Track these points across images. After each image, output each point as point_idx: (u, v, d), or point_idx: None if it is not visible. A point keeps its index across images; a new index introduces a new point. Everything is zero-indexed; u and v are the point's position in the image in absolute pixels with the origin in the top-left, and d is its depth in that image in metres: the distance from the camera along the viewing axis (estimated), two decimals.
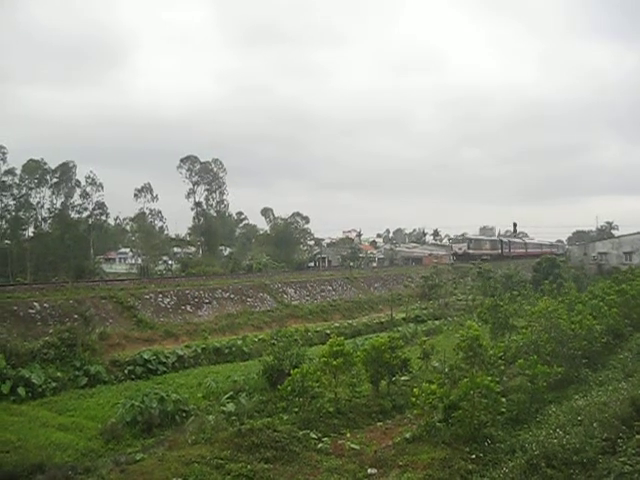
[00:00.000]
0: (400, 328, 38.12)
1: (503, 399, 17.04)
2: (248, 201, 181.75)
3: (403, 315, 44.50)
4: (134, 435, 17.62)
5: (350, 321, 41.54)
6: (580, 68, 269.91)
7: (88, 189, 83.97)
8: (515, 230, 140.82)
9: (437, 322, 42.33)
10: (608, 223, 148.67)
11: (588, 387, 18.87)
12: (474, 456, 14.39)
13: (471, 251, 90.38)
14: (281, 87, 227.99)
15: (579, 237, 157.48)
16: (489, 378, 16.47)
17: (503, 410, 16.77)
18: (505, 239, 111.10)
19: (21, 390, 21.61)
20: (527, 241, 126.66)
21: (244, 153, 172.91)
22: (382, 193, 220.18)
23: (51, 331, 26.71)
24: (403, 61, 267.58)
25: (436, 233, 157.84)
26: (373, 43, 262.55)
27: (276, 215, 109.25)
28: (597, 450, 12.12)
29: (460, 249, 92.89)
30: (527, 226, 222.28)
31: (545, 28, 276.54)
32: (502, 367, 20.80)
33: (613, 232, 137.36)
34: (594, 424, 13.36)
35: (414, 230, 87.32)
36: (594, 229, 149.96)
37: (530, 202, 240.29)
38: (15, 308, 28.19)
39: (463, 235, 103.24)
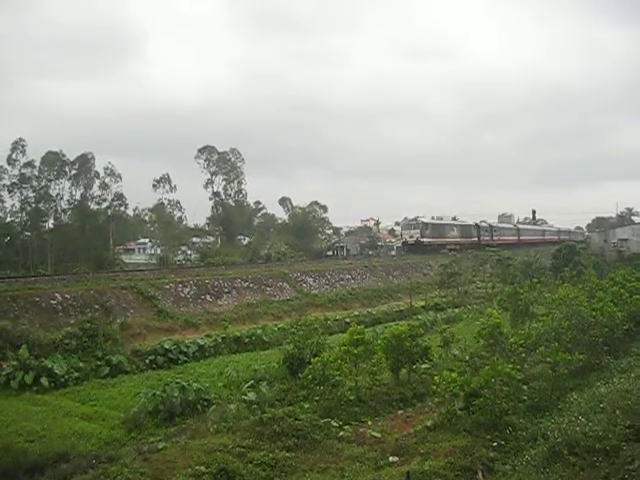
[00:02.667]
0: (420, 316, 38.01)
1: (524, 387, 17.04)
2: (266, 190, 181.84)
3: (422, 303, 44.37)
4: (156, 424, 17.81)
5: (369, 309, 41.47)
6: (597, 50, 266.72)
7: (107, 180, 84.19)
8: (534, 217, 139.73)
9: (457, 310, 42.19)
10: (628, 209, 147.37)
11: (610, 374, 18.69)
12: (496, 444, 14.37)
13: (426, 239, 72.41)
14: (296, 75, 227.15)
15: (599, 224, 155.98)
16: (510, 366, 16.44)
17: (524, 398, 16.76)
18: (485, 224, 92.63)
19: (44, 380, 21.85)
20: (524, 227, 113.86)
21: (261, 142, 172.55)
22: (400, 180, 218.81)
23: (73, 322, 26.97)
24: (417, 47, 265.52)
25: (483, 222, 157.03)
26: (387, 29, 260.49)
27: (294, 204, 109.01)
28: (620, 437, 12.01)
29: (411, 237, 73.51)
30: (547, 213, 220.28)
31: (556, 12, 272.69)
32: (523, 355, 20.72)
33: (633, 218, 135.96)
34: (617, 411, 13.24)
35: (432, 217, 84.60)
36: (614, 215, 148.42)
37: (549, 188, 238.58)
38: (37, 299, 28.41)
39: (415, 219, 77.08)
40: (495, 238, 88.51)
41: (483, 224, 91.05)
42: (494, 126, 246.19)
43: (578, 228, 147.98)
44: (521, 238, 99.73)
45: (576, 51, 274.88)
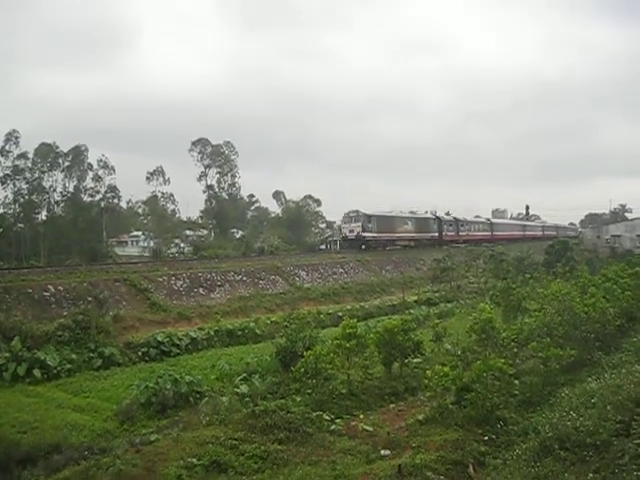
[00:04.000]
0: (412, 311, 38.12)
1: (516, 381, 17.15)
2: (260, 184, 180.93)
3: (415, 298, 44.49)
4: (149, 416, 17.83)
5: (362, 304, 41.58)
6: (591, 47, 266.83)
7: (100, 172, 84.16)
8: (527, 213, 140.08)
9: (449, 305, 42.34)
10: (622, 206, 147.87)
11: (601, 370, 18.75)
12: (487, 438, 14.44)
13: (369, 234, 62.93)
14: (291, 70, 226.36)
15: (592, 220, 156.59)
16: (502, 360, 16.52)
17: (516, 392, 16.87)
18: (449, 217, 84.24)
19: (37, 372, 21.86)
20: (498, 221, 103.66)
21: (255, 136, 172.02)
22: (394, 175, 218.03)
23: (65, 313, 26.97)
24: (411, 43, 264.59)
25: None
26: (381, 25, 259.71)
27: (288, 198, 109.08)
28: (611, 432, 12.08)
29: (351, 231, 63.29)
30: (541, 209, 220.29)
31: (551, 9, 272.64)
32: (515, 350, 20.84)
33: (627, 215, 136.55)
34: (608, 406, 13.31)
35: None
36: (607, 212, 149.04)
37: (543, 184, 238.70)
38: (30, 291, 28.39)
39: (356, 210, 64.82)
40: (462, 234, 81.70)
41: (446, 217, 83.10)
42: (488, 122, 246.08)
43: (571, 224, 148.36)
44: (495, 234, 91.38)
45: (570, 48, 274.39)
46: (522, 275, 45.09)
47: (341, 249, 67.75)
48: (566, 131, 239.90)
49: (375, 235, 63.75)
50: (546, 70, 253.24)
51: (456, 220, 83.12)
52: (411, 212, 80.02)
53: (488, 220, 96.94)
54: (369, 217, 64.06)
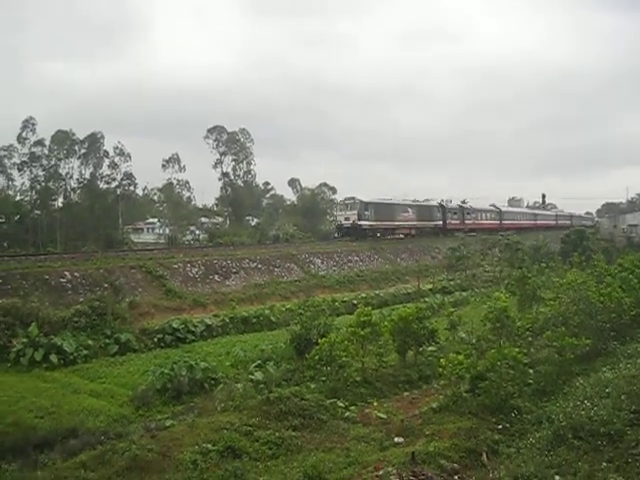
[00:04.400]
0: (427, 299, 38.09)
1: (530, 370, 17.11)
2: (275, 172, 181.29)
3: (430, 286, 44.41)
4: (164, 402, 17.97)
5: (377, 291, 41.54)
6: (606, 38, 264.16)
7: (116, 160, 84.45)
8: (544, 202, 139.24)
9: (464, 293, 42.20)
10: (639, 195, 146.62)
11: (616, 360, 18.69)
12: (500, 426, 14.46)
13: (366, 222, 58.83)
14: (305, 58, 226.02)
15: (609, 209, 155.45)
16: (516, 349, 16.50)
17: (530, 381, 16.84)
18: (454, 205, 78.81)
19: (53, 357, 22.01)
20: (508, 209, 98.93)
21: (271, 124, 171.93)
22: (410, 163, 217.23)
23: (82, 300, 27.12)
24: (425, 32, 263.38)
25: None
26: (396, 14, 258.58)
27: (303, 186, 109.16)
28: (625, 422, 12.09)
29: (347, 219, 59.31)
30: (557, 198, 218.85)
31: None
32: (530, 339, 20.77)
33: None
34: (622, 396, 13.30)
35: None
36: (624, 201, 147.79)
37: (560, 174, 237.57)
38: (47, 277, 28.58)
39: (352, 197, 61.35)
40: (468, 222, 77.41)
41: (451, 205, 77.58)
42: (505, 110, 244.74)
43: (588, 213, 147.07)
44: (504, 222, 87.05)
45: (587, 35, 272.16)
46: (538, 264, 44.79)
47: (335, 238, 63.55)
48: (583, 120, 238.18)
49: (373, 223, 59.93)
50: (563, 59, 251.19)
51: (461, 208, 78.83)
52: (414, 200, 75.21)
53: (497, 208, 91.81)
54: (366, 204, 59.92)
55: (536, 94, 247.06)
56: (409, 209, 68.05)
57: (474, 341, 20.41)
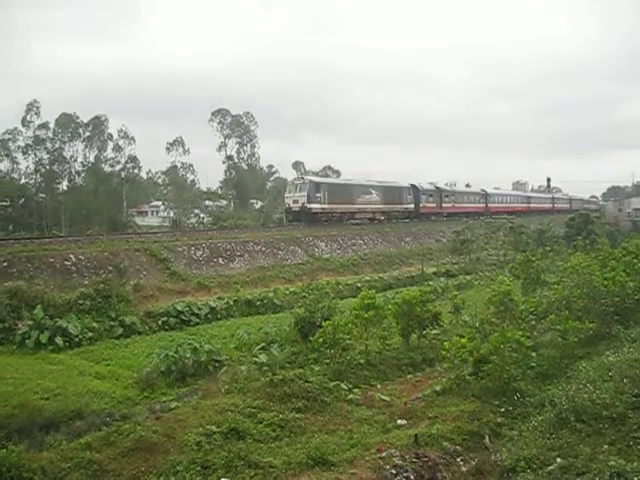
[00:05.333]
0: (431, 282, 38.15)
1: (533, 354, 17.12)
2: (279, 155, 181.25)
3: (434, 269, 44.46)
4: (168, 384, 18.05)
5: (381, 275, 41.61)
6: (613, 19, 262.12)
7: (120, 142, 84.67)
8: (549, 185, 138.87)
9: (468, 277, 42.19)
10: None
11: (619, 343, 18.71)
12: (503, 409, 14.51)
13: (316, 205, 52.52)
14: (308, 41, 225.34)
15: (614, 193, 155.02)
16: (520, 333, 16.52)
17: (533, 365, 16.85)
18: (431, 186, 72.89)
19: (59, 340, 22.13)
20: (495, 192, 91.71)
21: (275, 108, 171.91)
22: (414, 147, 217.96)
23: (87, 282, 27.20)
24: (430, 16, 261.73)
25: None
26: None
27: (307, 169, 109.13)
28: (627, 405, 12.15)
29: (295, 202, 52.73)
30: (563, 182, 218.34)
31: None
32: (533, 322, 20.82)
33: None
34: (624, 380, 13.35)
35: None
36: (630, 185, 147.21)
37: (564, 156, 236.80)
38: (52, 260, 28.66)
39: (302, 177, 58.75)
40: (446, 205, 72.44)
41: (425, 186, 71.26)
42: (510, 95, 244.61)
43: (593, 197, 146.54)
44: (491, 206, 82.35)
45: (591, 20, 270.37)
46: (542, 248, 44.84)
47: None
48: (588, 103, 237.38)
49: (326, 207, 53.65)
50: (567, 43, 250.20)
51: (439, 190, 73.25)
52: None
53: (482, 190, 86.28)
54: (317, 185, 54.01)
55: (546, 79, 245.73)
56: (373, 191, 61.18)
57: (477, 324, 20.42)
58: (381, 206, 61.53)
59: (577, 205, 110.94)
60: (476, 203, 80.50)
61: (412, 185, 67.87)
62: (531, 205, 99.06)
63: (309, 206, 51.67)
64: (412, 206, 65.78)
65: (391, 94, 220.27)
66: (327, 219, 54.41)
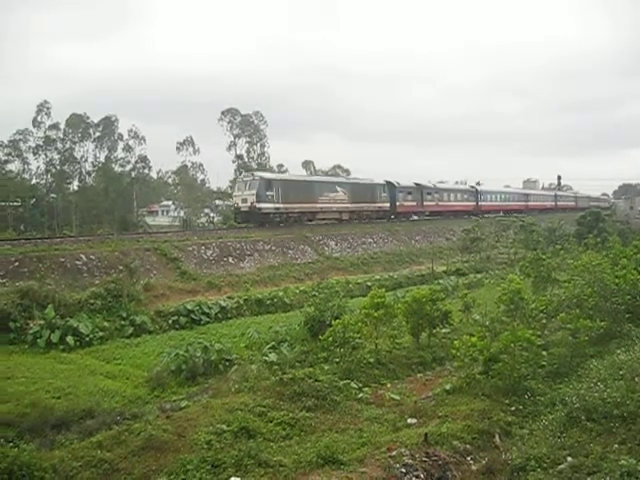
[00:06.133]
0: (441, 281, 38.07)
1: (544, 352, 17.06)
2: (289, 153, 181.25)
3: (444, 268, 44.39)
4: (179, 383, 18.11)
5: (391, 273, 41.56)
6: (621, 15, 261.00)
7: (131, 142, 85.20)
8: (559, 183, 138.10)
9: (478, 275, 42.11)
10: None
11: (631, 342, 18.60)
12: (514, 408, 14.49)
13: (267, 205, 46.74)
14: (316, 40, 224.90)
15: (625, 190, 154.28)
16: (530, 331, 16.47)
17: (544, 363, 16.80)
18: (409, 183, 66.26)
19: (70, 339, 22.22)
20: (486, 189, 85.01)
21: (284, 107, 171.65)
22: (425, 145, 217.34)
23: (97, 282, 27.32)
24: (441, 13, 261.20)
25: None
26: None
27: (317, 168, 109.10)
28: (638, 404, 12.07)
29: (244, 201, 47.14)
30: (574, 179, 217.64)
31: None
32: (544, 321, 20.74)
33: None
34: (636, 378, 13.28)
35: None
36: None
37: (576, 155, 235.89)
38: (62, 260, 28.78)
39: (252, 173, 52.13)
40: (428, 203, 67.21)
41: (403, 183, 65.09)
42: (521, 93, 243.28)
43: (604, 194, 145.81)
44: (483, 204, 77.66)
45: (602, 17, 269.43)
46: (553, 246, 44.70)
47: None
48: (598, 101, 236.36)
49: (279, 206, 47.77)
50: (578, 40, 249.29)
51: (419, 187, 67.05)
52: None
53: (472, 187, 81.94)
54: (269, 182, 47.95)
55: (554, 76, 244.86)
56: (338, 188, 55.49)
57: (488, 323, 20.36)
58: (349, 205, 56.14)
59: (583, 203, 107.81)
60: (465, 201, 75.72)
61: (387, 182, 62.86)
62: (530, 203, 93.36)
63: (259, 206, 46.14)
64: (387, 205, 60.58)
65: (402, 93, 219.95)
66: (282, 220, 49.09)
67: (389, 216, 61.24)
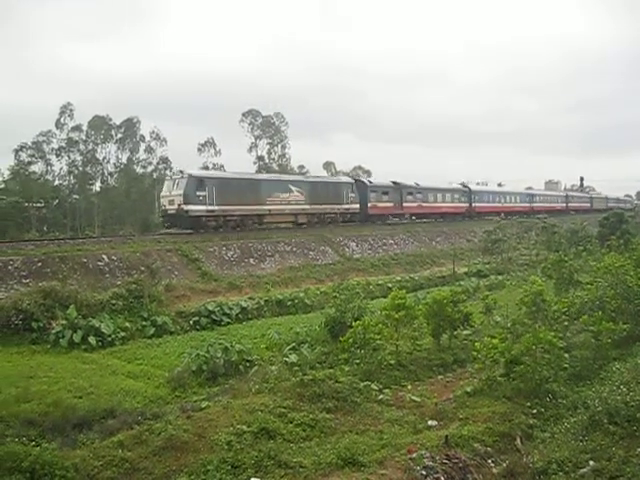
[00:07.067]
0: (462, 282, 37.94)
1: (566, 355, 16.91)
2: (311, 155, 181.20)
3: (465, 269, 44.21)
4: (199, 383, 18.16)
5: (412, 275, 41.43)
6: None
7: (152, 144, 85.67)
8: (582, 184, 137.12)
9: (500, 277, 41.82)
10: None
11: None
12: (535, 411, 14.41)
13: (199, 207, 40.07)
14: (336, 40, 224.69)
15: None
16: (552, 333, 16.37)
17: (566, 366, 16.64)
18: (385, 182, 60.79)
19: (92, 339, 22.38)
20: (491, 190, 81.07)
21: (305, 108, 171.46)
22: (444, 146, 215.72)
23: (119, 283, 27.49)
24: (455, 13, 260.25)
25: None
26: None
27: (338, 169, 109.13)
28: None
29: (171, 202, 40.68)
30: (597, 180, 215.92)
31: None
32: (566, 323, 20.56)
33: None
34: None
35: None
36: None
37: (597, 154, 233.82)
38: (85, 260, 29.01)
39: (181, 171, 43.75)
40: (409, 205, 61.15)
41: (377, 182, 60.26)
42: (540, 92, 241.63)
43: (627, 196, 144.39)
44: (477, 205, 71.63)
45: (621, 14, 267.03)
46: (575, 247, 44.36)
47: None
48: (619, 100, 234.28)
49: (214, 208, 41.06)
50: (600, 39, 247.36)
51: (398, 186, 60.33)
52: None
53: (465, 187, 74.01)
54: (200, 180, 41.04)
55: (577, 75, 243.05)
56: (293, 187, 48.48)
57: (509, 325, 20.27)
58: (306, 207, 49.22)
59: (600, 204, 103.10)
60: (455, 202, 69.13)
61: (357, 180, 58.23)
62: (535, 205, 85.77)
63: (186, 208, 39.44)
64: (356, 206, 53.99)
65: (419, 93, 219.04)
66: (219, 225, 42.22)
67: (361, 219, 55.21)
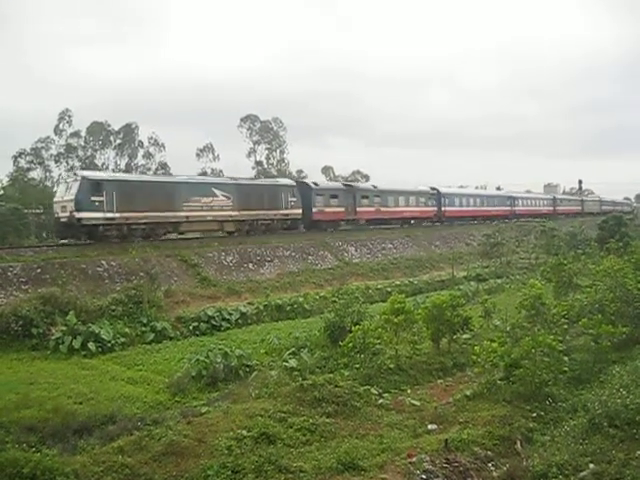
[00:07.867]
0: (461, 286, 37.87)
1: (566, 358, 16.96)
2: (310, 159, 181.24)
3: (464, 273, 44.15)
4: (199, 389, 18.15)
5: (411, 279, 41.39)
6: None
7: (151, 149, 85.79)
8: (580, 187, 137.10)
9: (499, 281, 41.83)
10: None
11: None
12: (535, 414, 14.45)
13: (95, 214, 33.87)
14: (333, 44, 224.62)
15: None
16: (552, 337, 16.41)
17: (565, 369, 16.68)
18: (336, 184, 58.68)
19: (91, 345, 22.37)
20: (464, 192, 76.18)
21: (302, 112, 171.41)
22: (443, 150, 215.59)
23: (118, 288, 27.49)
24: (458, 16, 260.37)
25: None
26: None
27: (336, 173, 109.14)
28: None
29: (64, 209, 34.27)
30: (596, 183, 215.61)
31: None
32: (565, 326, 20.57)
33: None
34: None
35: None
36: None
37: (596, 157, 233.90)
38: (84, 266, 29.02)
39: (75, 172, 43.62)
40: (365, 209, 55.01)
41: (326, 185, 57.26)
42: (540, 95, 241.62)
43: (626, 199, 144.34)
44: (448, 209, 66.70)
45: (620, 14, 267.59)
46: (574, 251, 44.38)
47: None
48: (619, 103, 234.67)
49: (114, 216, 34.83)
50: (601, 41, 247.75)
51: (350, 189, 55.27)
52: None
53: (434, 190, 66.43)
54: (96, 184, 34.83)
55: (576, 78, 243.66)
56: (217, 191, 41.74)
57: (509, 328, 20.29)
58: (234, 213, 42.61)
59: (593, 207, 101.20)
60: (421, 206, 62.94)
61: (300, 182, 52.30)
62: (517, 208, 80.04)
63: (79, 215, 33.53)
64: (297, 212, 47.82)
65: (422, 98, 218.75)
66: (121, 234, 35.84)
67: (305, 226, 50.27)
